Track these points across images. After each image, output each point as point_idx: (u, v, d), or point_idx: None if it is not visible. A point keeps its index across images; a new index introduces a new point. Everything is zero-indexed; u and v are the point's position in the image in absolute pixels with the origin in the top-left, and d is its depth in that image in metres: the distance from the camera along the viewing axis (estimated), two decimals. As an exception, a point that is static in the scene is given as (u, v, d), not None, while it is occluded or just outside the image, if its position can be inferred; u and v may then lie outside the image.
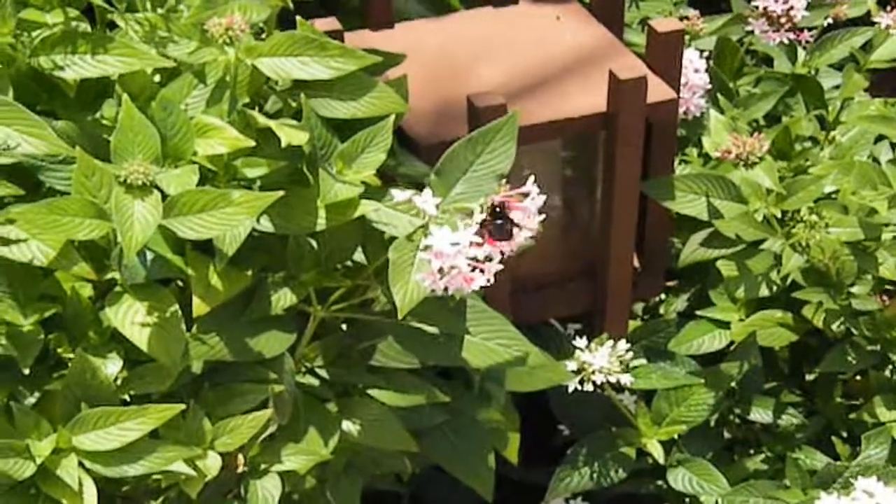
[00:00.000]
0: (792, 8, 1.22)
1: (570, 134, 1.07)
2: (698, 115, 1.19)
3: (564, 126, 1.04)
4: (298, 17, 0.89)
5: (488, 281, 0.78)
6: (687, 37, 1.28)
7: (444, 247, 0.76)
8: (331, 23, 1.03)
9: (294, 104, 0.88)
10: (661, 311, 1.25)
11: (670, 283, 1.26)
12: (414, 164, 0.96)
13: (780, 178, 1.10)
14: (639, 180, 1.09)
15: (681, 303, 1.25)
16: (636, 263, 1.17)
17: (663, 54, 1.08)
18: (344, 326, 0.94)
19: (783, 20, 1.23)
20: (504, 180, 0.84)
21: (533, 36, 1.15)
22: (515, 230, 0.78)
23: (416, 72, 1.02)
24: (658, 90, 1.07)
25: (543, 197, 0.79)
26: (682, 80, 1.15)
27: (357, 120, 0.88)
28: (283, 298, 0.87)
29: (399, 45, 1.06)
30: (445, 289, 0.77)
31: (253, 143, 0.82)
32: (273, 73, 0.84)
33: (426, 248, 0.77)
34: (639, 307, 1.28)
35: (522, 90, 1.07)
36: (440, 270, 0.77)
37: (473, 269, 0.77)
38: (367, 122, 0.87)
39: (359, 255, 0.90)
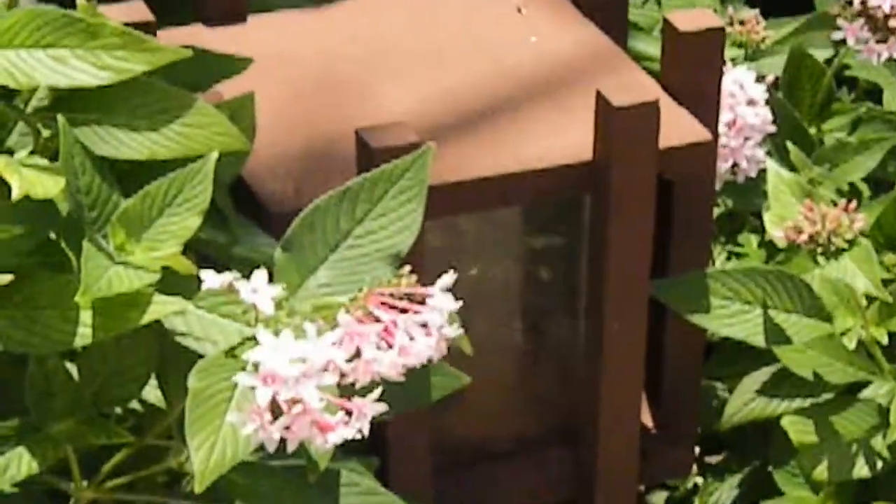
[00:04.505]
0: (908, 4, 1.28)
1: (533, 198, 1.09)
2: (754, 174, 1.22)
3: (525, 184, 1.05)
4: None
5: (360, 431, 0.77)
6: (740, 50, 1.33)
7: (278, 365, 0.74)
8: (137, 10, 1.05)
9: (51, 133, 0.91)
10: (696, 502, 1.29)
11: (710, 459, 1.29)
12: (260, 243, 0.97)
13: (886, 279, 1.13)
14: (648, 277, 1.09)
15: (728, 491, 1.28)
16: (648, 421, 1.18)
17: (691, 69, 1.10)
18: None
19: (894, 23, 1.26)
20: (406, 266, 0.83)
21: (475, 38, 1.18)
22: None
23: (277, 93, 1.08)
24: (682, 127, 1.08)
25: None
26: (728, 117, 1.19)
27: (159, 163, 0.89)
28: (16, 466, 0.88)
29: (254, 51, 1.09)
30: (283, 442, 0.75)
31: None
32: (6, 76, 0.85)
33: (253, 367, 0.76)
34: (660, 497, 1.33)
35: (454, 125, 1.09)
36: (273, 407, 0.74)
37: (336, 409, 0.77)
38: (174, 166, 0.88)
39: (153, 391, 0.91)
